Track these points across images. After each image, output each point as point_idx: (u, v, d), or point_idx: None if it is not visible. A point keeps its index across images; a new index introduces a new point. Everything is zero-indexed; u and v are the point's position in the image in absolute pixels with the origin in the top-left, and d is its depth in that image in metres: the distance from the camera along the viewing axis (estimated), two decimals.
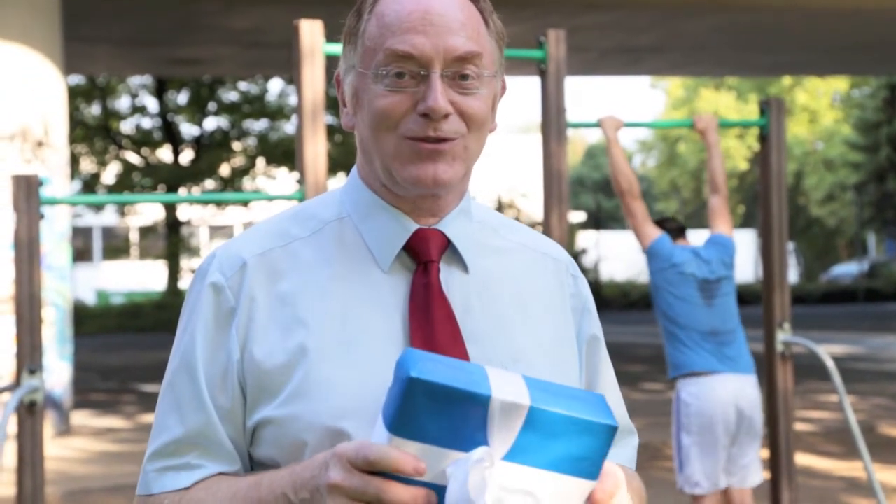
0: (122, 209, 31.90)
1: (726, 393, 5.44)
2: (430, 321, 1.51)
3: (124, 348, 22.92)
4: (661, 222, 5.83)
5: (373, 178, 1.58)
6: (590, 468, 1.29)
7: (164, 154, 28.90)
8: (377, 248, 1.56)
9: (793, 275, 46.25)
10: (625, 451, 1.69)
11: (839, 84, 45.00)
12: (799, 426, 9.70)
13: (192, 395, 1.52)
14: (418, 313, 1.51)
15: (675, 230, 5.82)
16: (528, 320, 1.60)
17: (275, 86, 28.74)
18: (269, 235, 1.58)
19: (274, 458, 1.49)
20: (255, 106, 28.36)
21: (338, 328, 1.50)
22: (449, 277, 1.57)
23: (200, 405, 1.51)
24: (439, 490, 1.26)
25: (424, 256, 1.55)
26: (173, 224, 29.37)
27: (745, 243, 45.89)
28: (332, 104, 18.77)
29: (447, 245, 1.57)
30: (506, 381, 1.29)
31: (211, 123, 29.29)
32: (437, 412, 1.24)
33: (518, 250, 1.66)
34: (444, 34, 1.49)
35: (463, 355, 1.50)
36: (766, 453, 5.83)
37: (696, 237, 6.13)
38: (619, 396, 1.72)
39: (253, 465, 1.54)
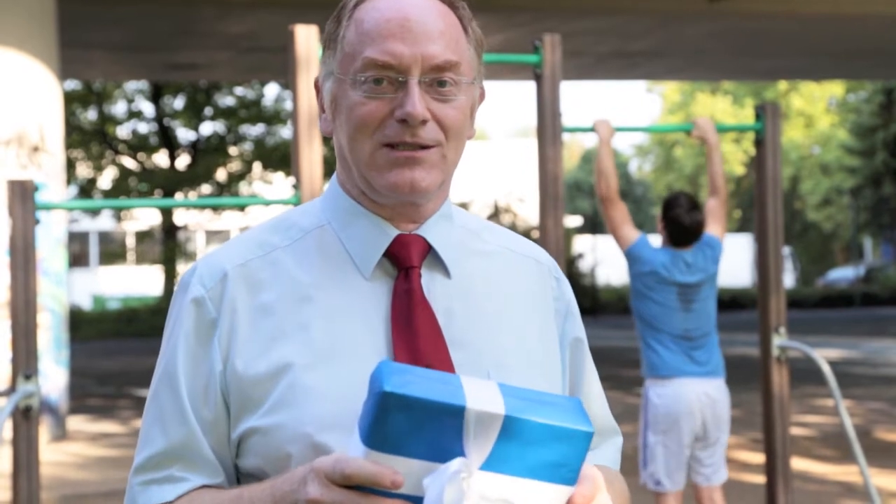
0: (118, 214, 31.89)
1: (693, 395, 5.56)
2: (413, 328, 1.51)
3: (120, 353, 22.89)
4: (673, 202, 5.76)
5: (351, 185, 1.59)
6: (568, 474, 1.29)
7: (161, 159, 28.90)
8: (358, 254, 1.56)
9: (789, 279, 46.27)
10: (609, 451, 1.70)
11: (835, 89, 45.05)
12: (795, 430, 9.71)
13: (175, 408, 1.52)
14: (400, 320, 1.51)
15: (680, 234, 5.75)
16: (512, 324, 1.60)
17: (271, 91, 28.87)
18: (250, 245, 1.58)
19: (261, 468, 1.49)
20: (252, 111, 28.37)
21: (320, 337, 1.50)
22: (431, 283, 1.56)
23: (183, 418, 1.51)
24: (417, 501, 1.26)
25: (406, 262, 1.55)
26: (170, 229, 29.36)
27: (742, 248, 45.91)
28: None
29: (428, 250, 1.57)
30: (480, 390, 1.29)
31: (207, 128, 29.29)
32: (413, 425, 1.24)
33: (500, 253, 1.66)
34: (422, 41, 1.49)
35: (446, 361, 1.50)
36: (762, 458, 5.83)
37: None
38: (603, 397, 1.73)
39: (239, 475, 1.54)
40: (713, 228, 5.80)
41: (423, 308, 1.53)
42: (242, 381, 1.49)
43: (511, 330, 1.59)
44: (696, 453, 5.66)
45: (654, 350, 5.62)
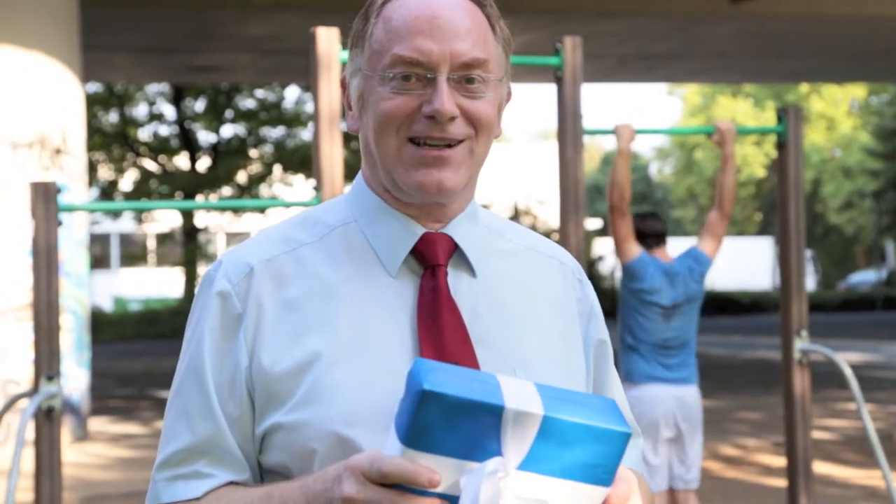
0: (139, 216, 32.02)
1: (667, 397, 5.74)
2: (439, 326, 1.50)
3: (141, 355, 22.98)
4: (644, 218, 5.93)
5: (377, 183, 1.58)
6: (604, 475, 1.28)
7: (182, 161, 28.98)
8: (384, 252, 1.55)
9: (810, 283, 46.07)
10: (631, 453, 1.68)
11: (857, 91, 44.84)
12: (816, 434, 9.66)
13: (201, 404, 1.51)
14: (427, 318, 1.50)
15: (655, 237, 5.92)
16: (537, 324, 1.59)
17: (291, 93, 28.85)
18: (276, 241, 1.58)
19: (284, 465, 1.48)
20: (272, 113, 28.42)
21: (346, 334, 1.49)
22: (456, 281, 1.56)
23: (209, 413, 1.50)
24: (454, 501, 1.26)
25: (432, 260, 1.54)
26: (190, 231, 29.44)
27: (763, 251, 45.75)
28: None
29: (454, 249, 1.56)
30: (518, 389, 1.28)
31: (228, 131, 29.36)
32: (451, 424, 1.23)
33: (525, 254, 1.66)
34: (450, 39, 1.49)
35: (472, 360, 1.50)
36: (783, 461, 5.81)
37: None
38: (625, 400, 1.73)
39: (262, 472, 1.53)
40: (706, 243, 5.88)
41: (449, 306, 1.52)
42: (268, 376, 1.48)
43: (535, 330, 1.59)
44: (679, 455, 5.80)
45: (630, 356, 5.80)
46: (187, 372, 1.53)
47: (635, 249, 5.78)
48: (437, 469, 1.24)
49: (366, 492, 1.26)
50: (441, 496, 1.26)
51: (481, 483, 1.22)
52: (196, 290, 1.59)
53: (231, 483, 1.51)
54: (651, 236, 5.92)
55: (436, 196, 1.51)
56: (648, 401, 5.69)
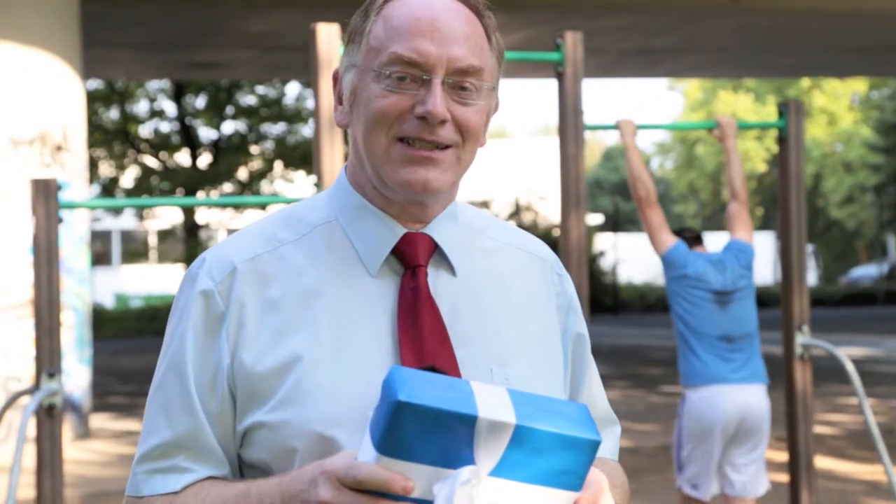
0: (140, 213, 32.01)
1: (731, 403, 5.46)
2: (419, 326, 1.52)
3: (143, 351, 22.97)
4: (679, 232, 5.88)
5: (364, 181, 1.59)
6: (574, 480, 1.32)
7: (183, 158, 28.96)
8: (365, 252, 1.57)
9: (812, 277, 46.06)
10: (607, 441, 1.72)
11: (858, 86, 44.79)
12: (818, 429, 9.66)
13: (182, 400, 1.53)
14: (406, 318, 1.53)
15: (692, 238, 5.86)
16: (515, 321, 1.62)
17: (292, 89, 28.83)
18: (259, 240, 1.59)
19: (264, 461, 1.50)
20: (273, 109, 28.40)
21: (328, 335, 1.51)
22: (437, 281, 1.58)
23: (190, 409, 1.52)
24: None
25: (412, 261, 1.56)
26: (191, 227, 29.43)
27: (764, 245, 45.69)
28: None
29: (435, 249, 1.58)
30: (491, 397, 1.31)
31: (229, 127, 29.33)
32: (425, 433, 1.26)
33: (505, 250, 1.68)
34: (448, 43, 1.51)
35: (451, 360, 1.52)
36: (785, 456, 5.81)
37: (715, 241, 6.11)
38: (602, 389, 1.76)
39: (242, 466, 1.55)
40: (740, 233, 5.79)
41: (429, 306, 1.54)
42: (250, 375, 1.50)
43: (514, 326, 1.61)
44: (731, 459, 5.54)
45: (691, 357, 5.55)
46: (169, 368, 1.55)
47: (670, 238, 5.69)
48: (410, 476, 1.26)
49: (340, 497, 1.29)
50: (415, 501, 1.28)
51: (454, 490, 1.25)
52: (179, 286, 1.61)
53: (210, 478, 1.52)
54: (689, 239, 5.85)
55: (421, 195, 1.53)
56: (708, 405, 5.44)
